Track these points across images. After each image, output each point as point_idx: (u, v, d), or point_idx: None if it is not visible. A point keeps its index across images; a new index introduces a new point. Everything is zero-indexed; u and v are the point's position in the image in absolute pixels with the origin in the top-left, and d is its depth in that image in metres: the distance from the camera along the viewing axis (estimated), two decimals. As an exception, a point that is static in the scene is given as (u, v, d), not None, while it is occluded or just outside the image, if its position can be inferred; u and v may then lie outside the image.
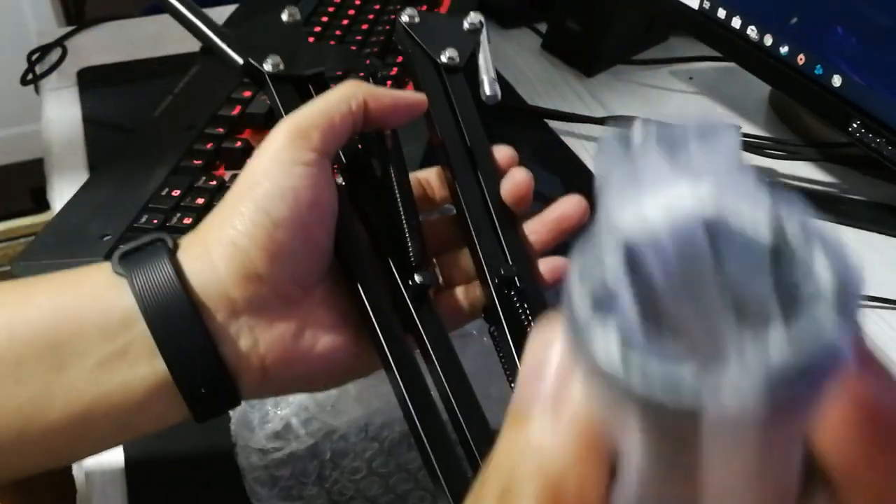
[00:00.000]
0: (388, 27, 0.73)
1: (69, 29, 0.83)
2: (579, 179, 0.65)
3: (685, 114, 0.70)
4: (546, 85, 0.77)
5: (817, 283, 0.14)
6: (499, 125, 0.71)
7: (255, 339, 0.34)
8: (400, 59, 0.69)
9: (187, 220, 0.50)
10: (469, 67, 0.44)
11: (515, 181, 0.40)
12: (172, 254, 0.33)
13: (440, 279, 0.40)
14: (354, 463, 0.41)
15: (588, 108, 0.74)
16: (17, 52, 0.88)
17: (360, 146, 0.40)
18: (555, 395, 0.17)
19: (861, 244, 0.60)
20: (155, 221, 0.50)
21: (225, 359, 0.33)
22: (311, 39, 0.42)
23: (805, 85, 0.61)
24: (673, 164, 0.15)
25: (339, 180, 0.38)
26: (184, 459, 0.42)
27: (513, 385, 0.37)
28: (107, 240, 0.49)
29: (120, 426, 0.33)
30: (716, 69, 0.79)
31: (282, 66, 0.40)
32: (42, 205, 1.58)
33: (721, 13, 0.66)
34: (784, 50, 0.62)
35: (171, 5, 0.43)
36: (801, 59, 0.61)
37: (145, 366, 0.32)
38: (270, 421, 0.42)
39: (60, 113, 0.71)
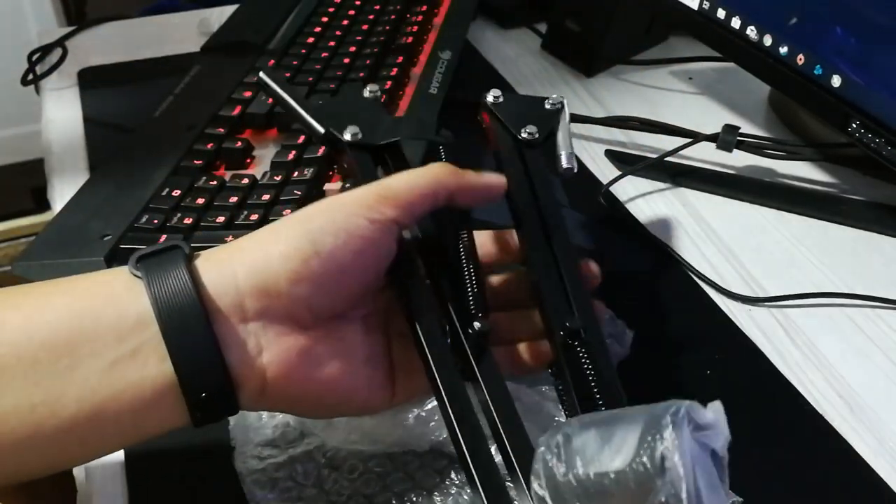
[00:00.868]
0: (387, 27, 0.73)
1: (70, 29, 0.83)
2: (578, 179, 0.65)
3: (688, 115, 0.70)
4: (546, 85, 0.77)
5: None
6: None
7: (260, 348, 0.34)
8: (400, 59, 0.69)
9: (188, 220, 0.50)
10: (547, 142, 0.48)
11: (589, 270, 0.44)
12: (189, 260, 0.34)
13: (503, 333, 0.42)
14: (351, 461, 0.41)
15: (588, 108, 0.74)
16: (17, 53, 0.88)
17: None
18: None
19: (861, 244, 0.60)
20: (155, 221, 0.50)
21: (229, 365, 0.33)
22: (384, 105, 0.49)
23: (804, 85, 0.61)
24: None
25: (406, 234, 0.40)
26: (184, 459, 0.43)
27: None
28: (107, 240, 0.49)
29: (128, 428, 0.33)
30: (715, 69, 0.79)
31: (360, 136, 0.44)
32: (42, 205, 1.58)
33: (721, 13, 0.66)
34: (783, 50, 0.62)
35: (263, 81, 0.49)
36: (800, 59, 0.61)
37: (155, 367, 0.32)
38: (267, 426, 0.42)
39: (61, 113, 0.71)
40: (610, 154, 0.67)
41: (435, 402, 0.40)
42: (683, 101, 0.76)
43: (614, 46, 0.79)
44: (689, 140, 0.65)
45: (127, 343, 0.32)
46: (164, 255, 0.34)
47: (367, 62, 0.68)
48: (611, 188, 0.63)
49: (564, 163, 0.47)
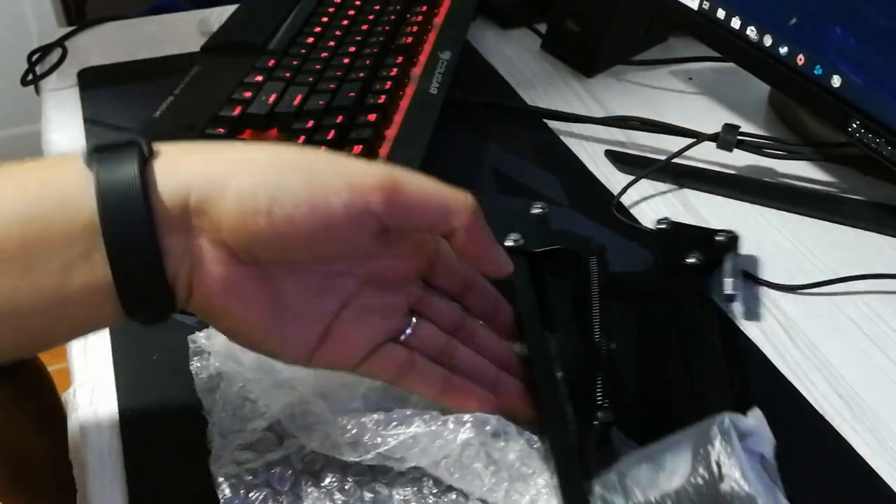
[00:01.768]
0: (387, 28, 0.73)
1: (69, 29, 0.83)
2: (579, 179, 0.65)
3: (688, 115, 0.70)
4: (545, 85, 0.77)
5: None
6: (498, 126, 0.71)
7: (191, 265, 0.34)
8: (400, 58, 0.69)
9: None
10: (709, 268, 0.52)
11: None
12: (146, 160, 0.34)
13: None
14: (329, 468, 0.40)
15: (587, 108, 0.74)
16: (17, 53, 0.88)
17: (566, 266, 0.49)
18: None
19: (861, 244, 0.60)
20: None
21: (167, 275, 0.34)
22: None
23: (804, 85, 0.61)
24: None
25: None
26: (183, 458, 0.43)
27: None
28: (107, 240, 0.49)
29: (82, 323, 0.35)
30: (715, 69, 0.79)
31: (521, 242, 0.50)
32: (42, 205, 1.58)
33: (720, 13, 0.66)
34: (783, 50, 0.62)
35: None
36: (800, 59, 0.61)
37: (101, 270, 0.33)
38: (246, 430, 0.42)
39: (61, 113, 0.71)
40: (610, 154, 0.67)
41: (420, 426, 0.39)
42: (683, 101, 0.76)
43: (614, 47, 0.79)
44: (693, 140, 0.65)
45: (77, 246, 0.33)
46: (120, 152, 0.34)
47: (367, 62, 0.68)
48: (611, 188, 0.63)
49: (729, 290, 0.51)
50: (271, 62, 0.68)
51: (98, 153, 0.34)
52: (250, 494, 0.39)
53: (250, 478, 0.40)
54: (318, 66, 0.67)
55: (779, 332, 0.52)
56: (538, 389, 0.42)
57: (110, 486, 0.42)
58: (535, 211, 0.52)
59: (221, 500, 0.39)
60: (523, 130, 0.71)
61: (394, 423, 0.39)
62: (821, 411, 0.47)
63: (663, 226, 0.54)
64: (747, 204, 0.63)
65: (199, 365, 0.45)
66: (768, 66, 0.63)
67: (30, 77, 0.76)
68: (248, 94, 0.63)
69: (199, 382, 0.44)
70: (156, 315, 0.35)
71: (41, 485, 0.73)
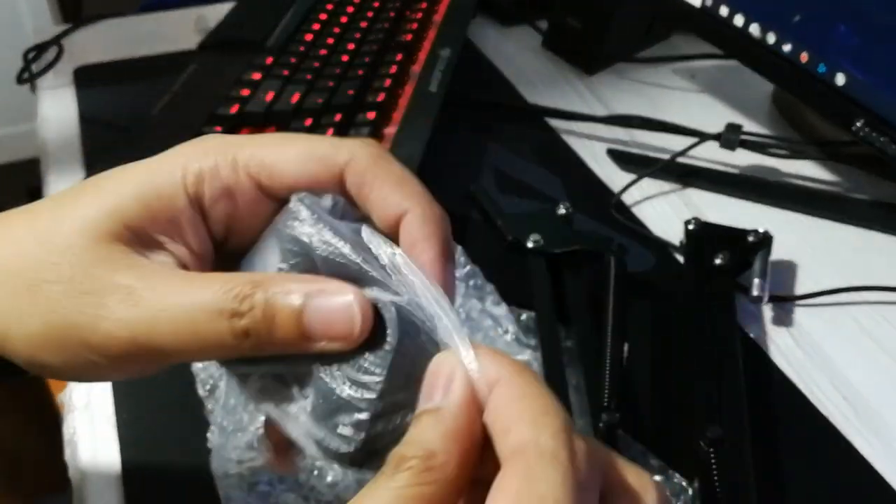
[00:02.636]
0: (387, 25, 0.72)
1: (66, 27, 0.82)
2: (579, 179, 0.64)
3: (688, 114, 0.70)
4: (547, 83, 0.77)
5: None
6: (499, 124, 0.70)
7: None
8: (400, 56, 0.68)
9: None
10: (737, 270, 0.52)
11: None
12: None
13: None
14: (330, 468, 0.40)
15: (589, 106, 0.73)
16: (13, 51, 0.87)
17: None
18: None
19: (864, 243, 0.59)
20: (152, 221, 0.50)
21: None
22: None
23: (808, 83, 0.60)
24: None
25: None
26: (183, 458, 0.42)
27: None
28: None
29: None
30: (718, 67, 0.79)
31: (541, 243, 0.50)
32: (39, 204, 1.57)
33: (723, 11, 0.66)
34: (787, 48, 0.61)
35: (474, 193, 0.55)
36: (803, 57, 0.60)
37: None
38: (247, 429, 0.41)
39: (57, 112, 0.71)
40: (612, 153, 0.67)
41: None
42: (686, 99, 0.75)
43: (615, 44, 0.78)
44: (696, 140, 0.64)
45: None
46: None
47: (367, 60, 0.67)
48: (613, 187, 0.63)
49: (755, 291, 0.50)
50: (269, 60, 0.67)
51: None
52: (250, 494, 0.39)
53: (251, 477, 0.39)
54: (316, 64, 0.66)
55: (783, 335, 0.51)
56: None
57: (107, 488, 0.41)
58: (561, 212, 0.53)
59: (222, 500, 0.39)
60: (524, 129, 0.70)
61: None
62: (825, 413, 0.46)
63: (692, 226, 0.54)
64: (750, 203, 0.62)
65: (199, 365, 0.45)
66: (772, 63, 0.63)
67: (25, 75, 0.76)
68: (245, 92, 0.62)
69: (199, 382, 0.44)
70: None
71: (36, 486, 0.72)
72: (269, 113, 0.61)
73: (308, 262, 0.26)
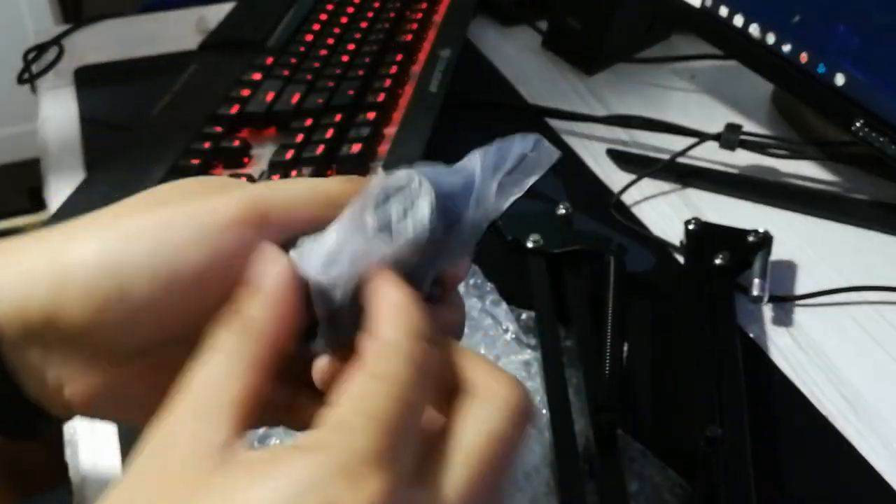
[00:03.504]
0: (387, 25, 0.72)
1: (66, 27, 0.82)
2: (579, 179, 0.64)
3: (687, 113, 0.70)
4: (546, 83, 0.77)
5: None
6: (499, 124, 0.70)
7: (60, 382, 0.28)
8: (400, 56, 0.68)
9: (185, 220, 0.50)
10: (737, 270, 0.52)
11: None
12: None
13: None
14: None
15: (589, 106, 0.73)
16: (13, 51, 0.87)
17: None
18: None
19: (864, 243, 0.59)
20: (152, 221, 0.50)
21: (29, 396, 0.28)
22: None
23: (808, 83, 0.60)
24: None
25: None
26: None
27: None
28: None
29: None
30: (718, 67, 0.79)
31: (541, 243, 0.50)
32: (38, 205, 1.57)
33: (723, 11, 0.66)
34: (786, 48, 0.61)
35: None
36: (803, 57, 0.60)
37: None
38: (249, 434, 0.41)
39: (57, 112, 0.71)
40: (612, 153, 0.67)
41: None
42: (685, 99, 0.75)
43: (615, 44, 0.78)
44: (696, 140, 0.64)
45: None
46: None
47: (367, 60, 0.67)
48: (612, 187, 0.63)
49: (755, 291, 0.50)
50: (269, 60, 0.67)
51: None
52: None
53: None
54: (316, 64, 0.67)
55: (783, 335, 0.51)
56: (546, 387, 0.42)
57: (107, 488, 0.41)
58: (561, 212, 0.53)
59: None
60: (524, 129, 0.69)
61: None
62: (824, 413, 0.46)
63: (692, 226, 0.54)
64: (750, 203, 0.62)
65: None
66: (771, 63, 0.63)
67: (26, 76, 0.76)
68: (246, 93, 0.62)
69: None
70: (25, 435, 0.29)
71: (36, 486, 0.72)
72: (270, 113, 0.61)
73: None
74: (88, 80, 0.74)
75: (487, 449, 0.24)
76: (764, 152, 0.64)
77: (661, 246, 0.57)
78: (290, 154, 0.56)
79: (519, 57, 0.81)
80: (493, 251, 0.51)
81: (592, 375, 0.44)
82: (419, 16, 0.75)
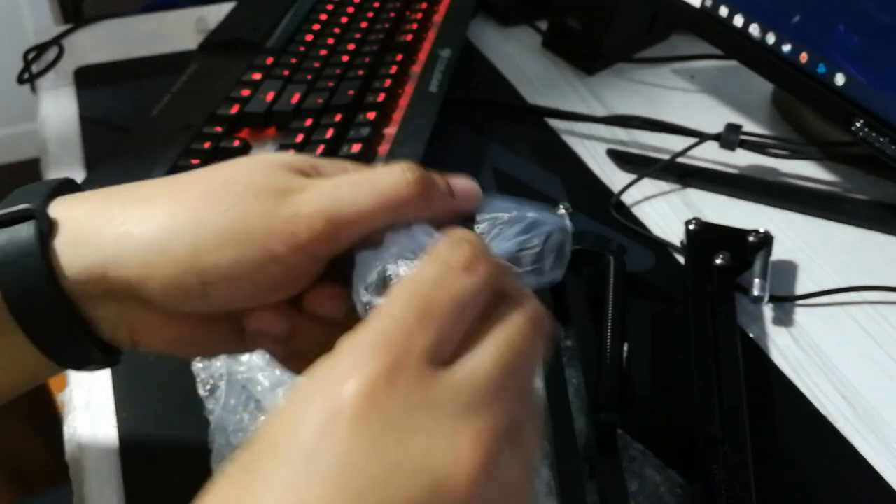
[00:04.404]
0: (387, 25, 0.73)
1: (66, 27, 0.82)
2: (579, 179, 0.64)
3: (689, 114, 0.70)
4: (546, 83, 0.77)
5: None
6: (499, 124, 0.70)
7: (131, 326, 0.34)
8: (400, 56, 0.68)
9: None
10: (737, 270, 0.52)
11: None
12: (46, 236, 0.31)
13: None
14: None
15: (589, 106, 0.73)
16: (13, 51, 0.87)
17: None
18: None
19: (864, 243, 0.59)
20: (152, 221, 0.50)
21: (101, 337, 0.33)
22: None
23: (808, 83, 0.60)
24: None
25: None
26: (184, 458, 0.42)
27: None
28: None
29: (26, 380, 0.36)
30: (718, 67, 0.79)
31: None
32: (39, 204, 1.57)
33: (723, 11, 0.66)
34: (786, 48, 0.61)
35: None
36: (803, 57, 0.60)
37: (24, 350, 0.32)
38: (248, 429, 0.41)
39: (57, 112, 0.71)
40: (612, 153, 0.67)
41: None
42: (685, 99, 0.75)
43: (615, 44, 0.78)
44: (696, 140, 0.64)
45: None
46: (15, 231, 0.31)
47: (367, 60, 0.67)
48: (612, 187, 0.63)
49: (756, 291, 0.50)
50: (269, 60, 0.67)
51: None
52: None
53: None
54: (316, 64, 0.67)
55: (783, 335, 0.51)
56: (546, 387, 0.42)
57: (107, 487, 0.41)
58: (561, 212, 0.53)
59: None
60: (524, 129, 0.70)
61: None
62: (824, 412, 0.46)
63: (692, 226, 0.54)
64: (750, 203, 0.62)
65: (200, 365, 0.45)
66: (771, 64, 0.63)
67: (26, 76, 0.76)
68: (246, 93, 0.62)
69: (199, 383, 0.44)
70: (107, 363, 0.35)
71: (37, 486, 0.72)
72: (270, 113, 0.61)
73: None
74: (88, 80, 0.74)
75: (515, 338, 0.29)
76: (764, 152, 0.64)
77: (661, 246, 0.57)
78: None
79: (519, 57, 0.81)
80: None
81: (592, 375, 0.44)
82: (419, 16, 0.75)
